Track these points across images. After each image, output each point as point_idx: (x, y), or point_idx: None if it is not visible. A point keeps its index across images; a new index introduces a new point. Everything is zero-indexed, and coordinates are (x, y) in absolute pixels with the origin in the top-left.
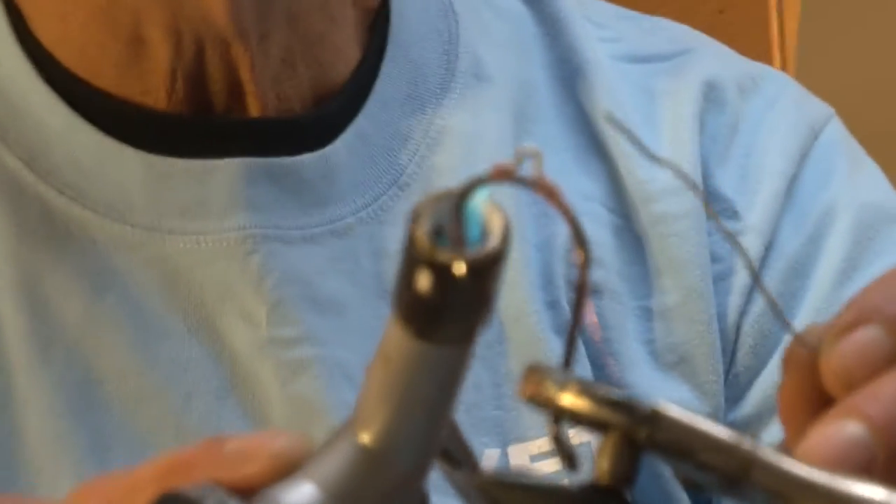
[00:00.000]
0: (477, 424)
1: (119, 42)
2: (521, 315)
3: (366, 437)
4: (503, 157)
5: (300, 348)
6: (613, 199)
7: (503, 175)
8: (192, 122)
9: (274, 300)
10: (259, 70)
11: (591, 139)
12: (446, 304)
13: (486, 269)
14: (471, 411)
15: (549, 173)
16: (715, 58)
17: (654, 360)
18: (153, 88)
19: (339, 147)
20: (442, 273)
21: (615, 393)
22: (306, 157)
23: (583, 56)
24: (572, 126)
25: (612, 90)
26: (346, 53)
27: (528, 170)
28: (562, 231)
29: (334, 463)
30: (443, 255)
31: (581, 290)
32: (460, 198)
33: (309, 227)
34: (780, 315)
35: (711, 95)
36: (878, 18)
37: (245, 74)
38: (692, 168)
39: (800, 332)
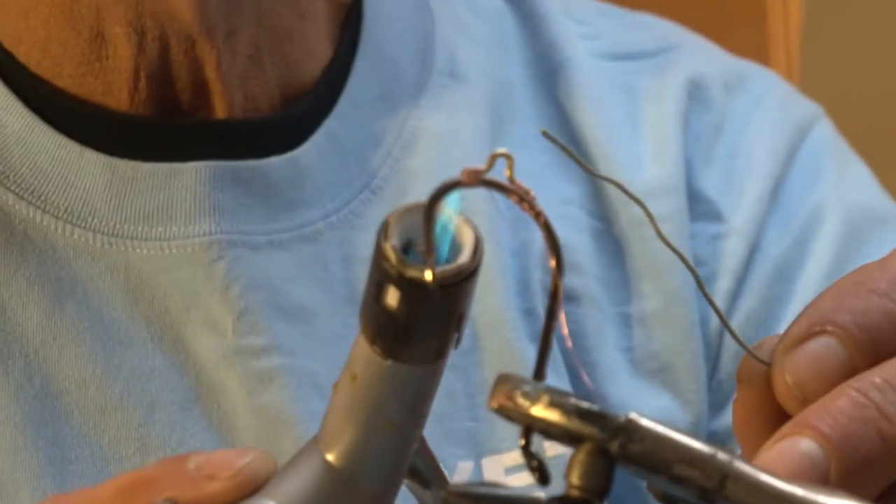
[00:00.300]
0: (450, 435)
1: (81, 39)
2: (497, 323)
3: (331, 456)
4: (479, 160)
5: (267, 358)
6: (593, 202)
7: (474, 179)
8: (155, 124)
9: (240, 308)
10: (225, 68)
11: (571, 140)
12: (415, 321)
13: (457, 285)
14: (443, 422)
15: (526, 176)
16: (700, 55)
17: (633, 368)
18: (116, 88)
19: (309, 149)
20: (411, 289)
21: (587, 404)
22: (274, 160)
23: (563, 54)
24: (551, 126)
25: (592, 89)
26: (316, 50)
27: (501, 173)
28: (539, 236)
29: (299, 482)
30: (412, 271)
31: (553, 298)
32: (431, 203)
33: (277, 233)
34: (728, 327)
35: (696, 94)
36: (887, 9)
37: (211, 73)
38: (675, 169)
39: (752, 346)
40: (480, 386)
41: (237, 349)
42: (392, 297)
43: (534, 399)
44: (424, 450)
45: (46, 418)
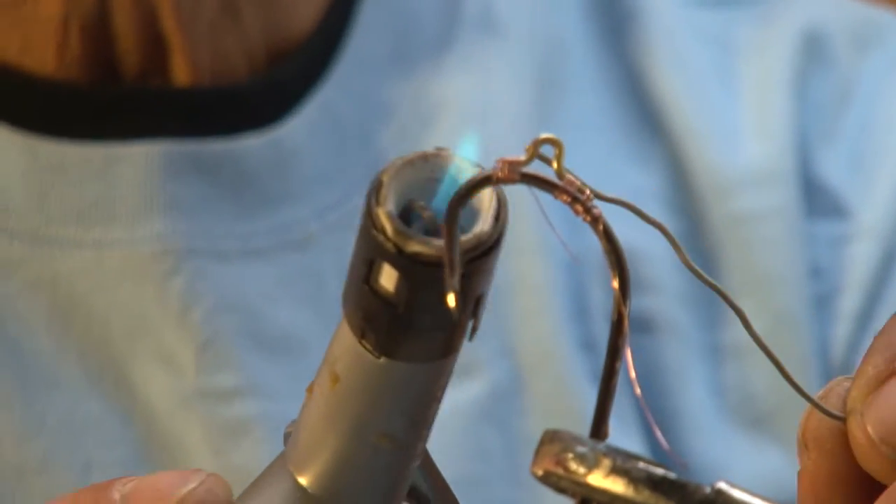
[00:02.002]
0: None
1: None
2: (545, 359)
3: (306, 480)
4: (522, 140)
5: (240, 403)
6: (675, 195)
7: (511, 173)
8: (91, 93)
9: (204, 337)
10: (188, 16)
11: (645, 112)
12: (418, 309)
13: (475, 262)
14: (476, 488)
15: (586, 162)
16: None
17: (728, 415)
18: (38, 44)
19: (297, 126)
20: (412, 269)
21: (662, 470)
22: (251, 141)
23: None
24: (619, 94)
25: (673, 43)
26: None
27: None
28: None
29: None
30: (414, 244)
31: (617, 328)
32: (453, 206)
33: (253, 237)
34: (777, 364)
35: (814, 50)
36: None
37: (169, 23)
38: (785, 147)
39: (816, 394)
40: (524, 442)
41: (200, 392)
42: (388, 278)
43: (591, 464)
44: (428, 467)
45: None
